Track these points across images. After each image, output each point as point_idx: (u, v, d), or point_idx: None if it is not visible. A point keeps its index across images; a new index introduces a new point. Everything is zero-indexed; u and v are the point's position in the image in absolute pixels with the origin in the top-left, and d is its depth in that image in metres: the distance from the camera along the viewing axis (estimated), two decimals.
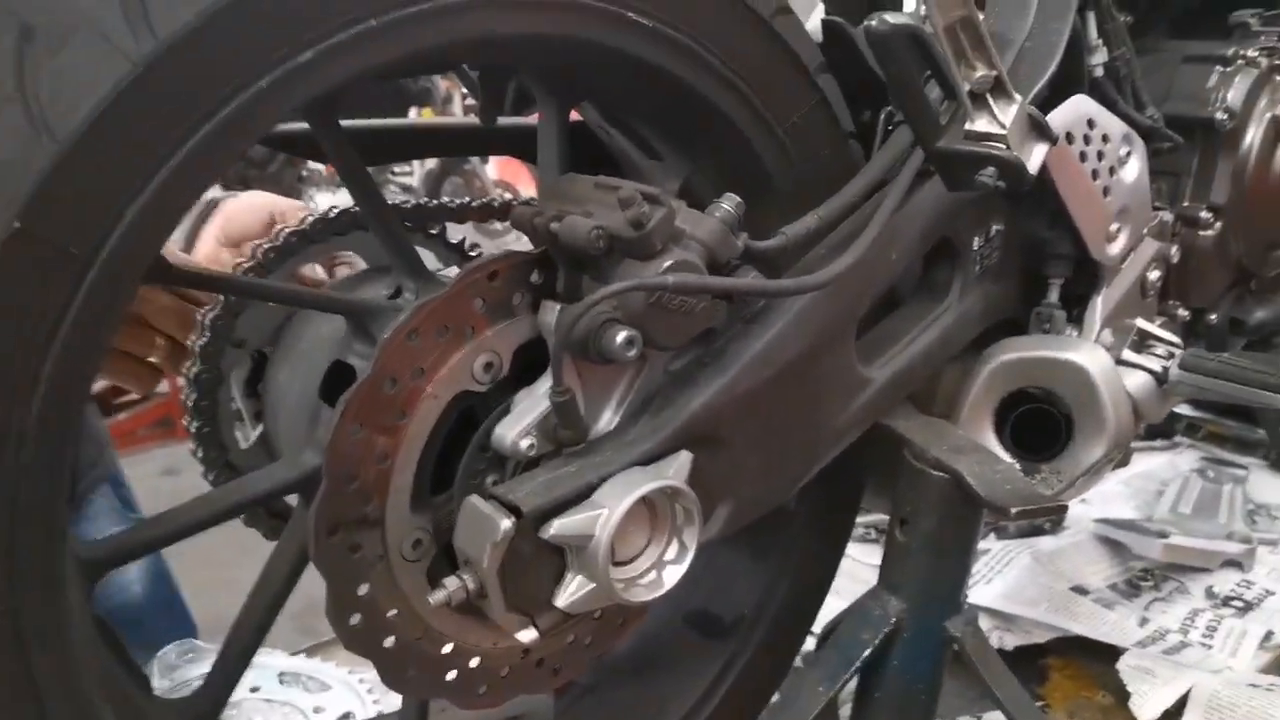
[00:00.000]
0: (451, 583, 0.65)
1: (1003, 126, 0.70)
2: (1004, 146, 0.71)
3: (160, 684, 1.22)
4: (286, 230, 0.83)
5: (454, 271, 0.84)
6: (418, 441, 0.67)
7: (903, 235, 0.83)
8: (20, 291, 0.49)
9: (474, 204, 0.94)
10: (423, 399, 0.66)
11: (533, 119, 0.87)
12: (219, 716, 0.72)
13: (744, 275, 0.74)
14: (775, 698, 0.98)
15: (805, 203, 0.83)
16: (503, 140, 0.94)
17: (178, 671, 1.24)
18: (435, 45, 0.61)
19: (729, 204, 0.71)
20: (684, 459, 0.70)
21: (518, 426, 0.68)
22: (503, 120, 0.92)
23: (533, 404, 0.69)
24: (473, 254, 0.94)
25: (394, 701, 1.20)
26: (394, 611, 0.68)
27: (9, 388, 0.49)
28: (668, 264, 0.67)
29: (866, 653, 0.85)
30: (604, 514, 0.64)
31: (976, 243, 0.94)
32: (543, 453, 0.69)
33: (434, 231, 0.91)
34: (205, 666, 1.26)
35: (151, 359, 0.90)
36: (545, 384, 0.69)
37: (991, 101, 0.71)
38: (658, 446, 0.70)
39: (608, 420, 0.72)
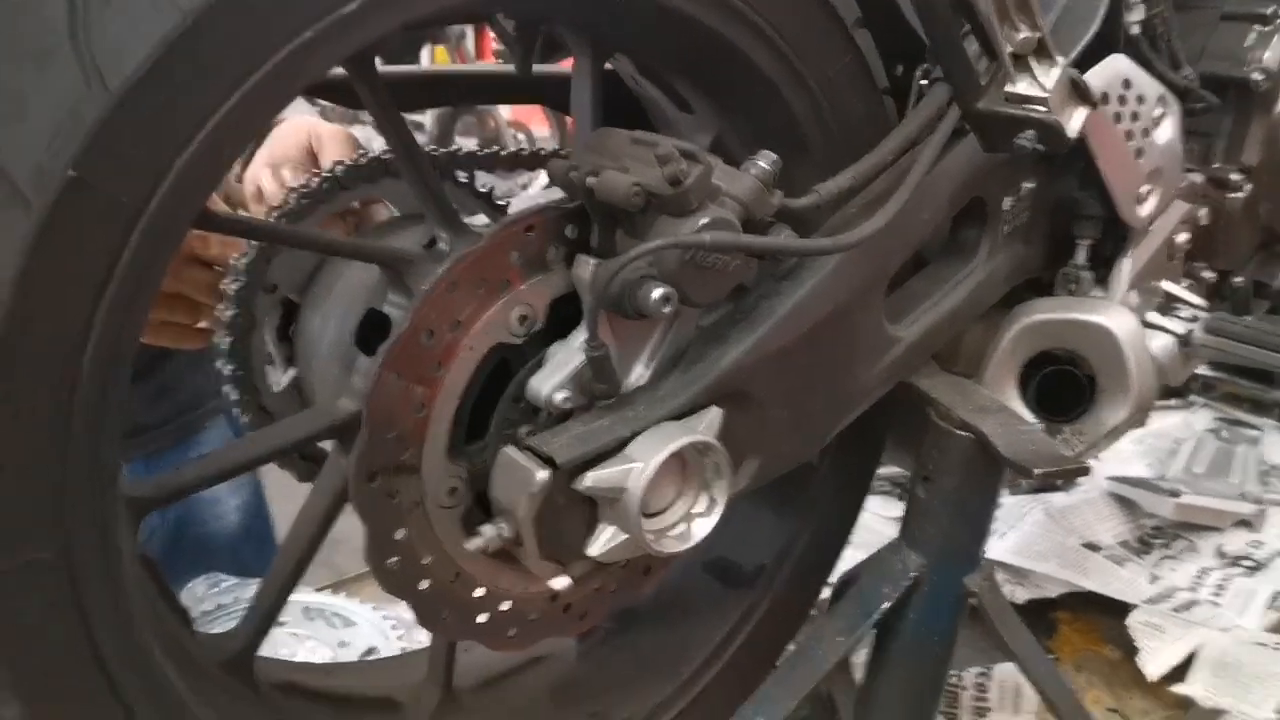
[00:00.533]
0: (488, 531, 0.66)
1: (1044, 89, 0.70)
2: (1044, 109, 0.70)
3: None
4: (318, 177, 0.83)
5: (484, 221, 0.85)
6: (454, 391, 0.68)
7: (935, 195, 0.83)
8: (75, 238, 0.50)
9: (503, 152, 0.94)
10: (460, 351, 0.67)
11: (567, 68, 0.86)
12: (257, 650, 0.75)
13: (778, 233, 0.74)
14: (792, 646, 1.00)
15: (838, 158, 0.83)
16: (536, 88, 0.94)
17: (204, 603, 1.27)
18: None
19: (765, 161, 0.71)
20: (715, 415, 0.72)
21: (553, 380, 0.68)
22: (536, 68, 0.91)
23: (567, 357, 0.70)
24: (500, 202, 0.94)
25: (416, 639, 1.23)
26: (429, 556, 0.70)
27: (65, 332, 0.50)
28: (704, 221, 0.67)
29: (885, 605, 0.86)
30: (637, 468, 0.66)
31: (1007, 203, 0.94)
32: (576, 405, 0.70)
33: (463, 179, 0.91)
34: (232, 596, 1.29)
35: (200, 324, 0.92)
36: (579, 337, 0.70)
37: (1033, 64, 0.70)
38: (689, 402, 0.71)
39: (639, 373, 0.73)
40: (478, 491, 0.71)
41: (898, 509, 1.54)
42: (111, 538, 0.58)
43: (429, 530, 0.70)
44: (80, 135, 0.48)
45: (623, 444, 0.67)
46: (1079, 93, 0.74)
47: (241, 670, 0.73)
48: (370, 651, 1.20)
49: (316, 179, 0.83)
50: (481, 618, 0.74)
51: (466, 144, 0.93)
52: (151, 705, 0.62)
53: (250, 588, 1.28)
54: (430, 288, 0.65)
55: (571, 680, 0.93)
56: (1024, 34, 0.70)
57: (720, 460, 0.70)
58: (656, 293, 0.66)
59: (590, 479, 0.66)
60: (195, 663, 0.69)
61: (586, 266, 0.69)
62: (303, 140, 0.96)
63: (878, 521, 1.47)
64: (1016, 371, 0.95)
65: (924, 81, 0.87)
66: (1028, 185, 0.95)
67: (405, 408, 0.66)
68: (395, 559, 0.69)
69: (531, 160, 0.94)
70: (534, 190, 1.03)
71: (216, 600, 1.25)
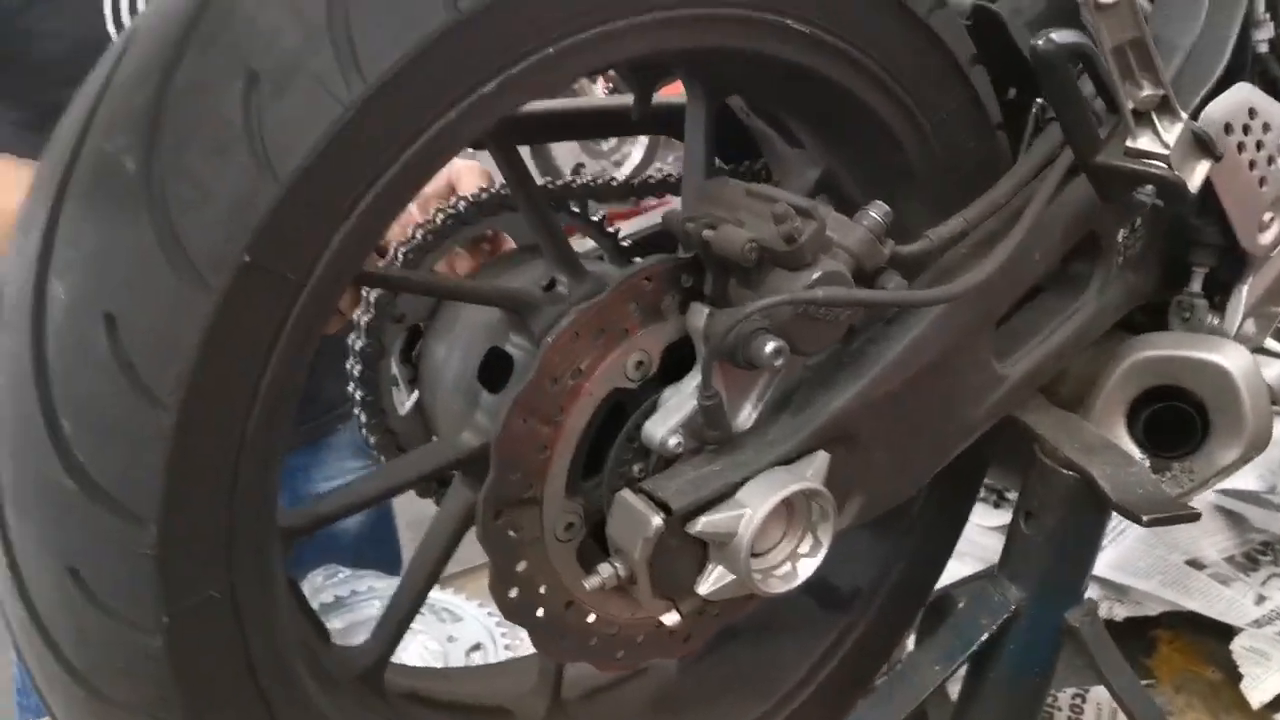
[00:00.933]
0: (605, 570, 0.70)
1: (1166, 146, 0.69)
2: (1165, 166, 0.70)
3: None
4: (442, 213, 0.87)
5: (599, 263, 0.88)
6: (574, 433, 0.72)
7: (1048, 235, 0.83)
8: (247, 314, 0.54)
9: (614, 183, 0.97)
10: (581, 396, 0.71)
11: (680, 98, 0.88)
12: (387, 664, 0.80)
13: (888, 279, 0.75)
14: (886, 671, 1.02)
15: (949, 194, 0.83)
16: (651, 120, 0.96)
17: (322, 594, 1.35)
18: (604, 65, 0.64)
19: (877, 212, 0.73)
20: (822, 459, 0.74)
21: (666, 425, 0.72)
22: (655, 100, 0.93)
23: (680, 402, 0.73)
24: (610, 229, 0.97)
25: (520, 635, 1.28)
26: (546, 586, 0.74)
27: (235, 401, 0.55)
28: (816, 275, 0.69)
29: (984, 637, 0.88)
30: (747, 514, 0.69)
31: (1121, 234, 0.93)
32: (688, 449, 0.73)
33: (576, 210, 0.95)
34: (348, 589, 1.37)
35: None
36: (691, 383, 0.73)
37: (1156, 120, 0.70)
38: (797, 447, 0.73)
39: (747, 415, 0.76)
40: (592, 525, 0.75)
41: (996, 518, 1.54)
42: (269, 569, 0.64)
43: (547, 562, 0.74)
44: (255, 221, 0.53)
45: (733, 489, 0.70)
46: (1202, 146, 0.73)
47: (373, 682, 0.79)
48: (476, 646, 1.26)
49: (441, 215, 0.87)
50: (592, 641, 0.78)
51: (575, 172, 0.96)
52: (296, 718, 0.67)
53: (366, 580, 1.35)
54: (554, 340, 0.69)
55: (671, 693, 0.97)
56: (1147, 91, 0.69)
57: (826, 504, 0.73)
58: (769, 346, 0.68)
59: (702, 524, 0.69)
60: (332, 676, 0.74)
61: (701, 315, 0.72)
62: (441, 179, 1.00)
63: (976, 531, 1.46)
64: (1125, 406, 0.94)
65: (1039, 112, 0.87)
66: (1141, 215, 0.94)
67: (530, 449, 0.70)
68: (516, 590, 0.73)
69: (638, 190, 0.97)
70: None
71: (334, 593, 1.33)
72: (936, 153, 0.84)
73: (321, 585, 1.36)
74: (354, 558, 1.41)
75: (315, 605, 1.32)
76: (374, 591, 1.33)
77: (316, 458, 1.40)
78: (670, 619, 0.72)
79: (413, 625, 1.30)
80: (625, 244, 0.96)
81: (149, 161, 0.52)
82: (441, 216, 0.87)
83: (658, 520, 0.67)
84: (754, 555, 0.72)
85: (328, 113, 0.53)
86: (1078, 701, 1.18)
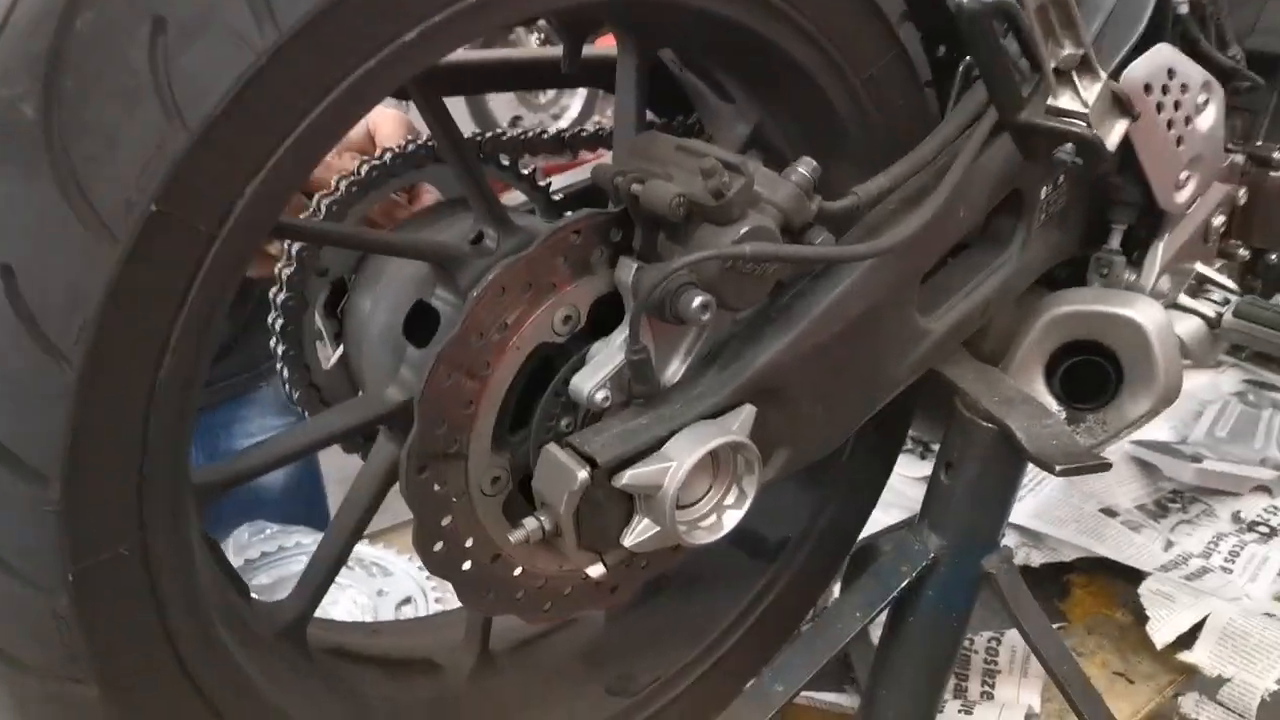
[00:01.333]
0: (530, 523, 0.70)
1: (1085, 105, 0.70)
2: (1084, 124, 0.71)
3: (234, 561, 1.31)
4: (367, 164, 0.85)
5: (528, 217, 0.87)
6: (500, 388, 0.71)
7: (973, 192, 0.84)
8: (155, 266, 0.53)
9: (545, 135, 0.96)
10: (507, 350, 0.70)
11: (611, 50, 0.87)
12: (309, 620, 0.80)
13: (816, 235, 0.76)
14: (811, 618, 1.04)
15: (877, 151, 0.84)
16: (582, 73, 0.95)
17: (249, 550, 1.33)
18: (530, 16, 0.63)
19: (805, 168, 0.73)
20: (748, 412, 0.74)
21: (594, 379, 0.71)
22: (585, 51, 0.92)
23: (607, 357, 0.73)
24: (541, 183, 0.95)
25: (449, 588, 1.28)
26: (472, 540, 0.74)
27: (144, 355, 0.54)
28: (744, 230, 0.69)
29: (904, 584, 0.90)
30: (673, 466, 0.69)
31: (1044, 191, 0.95)
32: (615, 403, 0.73)
33: (505, 164, 0.93)
34: (275, 544, 1.35)
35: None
36: (619, 338, 0.72)
37: (1076, 79, 0.71)
38: (724, 400, 0.74)
39: (675, 369, 0.76)
40: (519, 480, 0.75)
41: (921, 468, 1.57)
42: (183, 526, 0.62)
43: (473, 516, 0.74)
44: (163, 171, 0.51)
45: (660, 442, 0.71)
46: (1120, 105, 0.74)
47: (296, 638, 0.78)
48: (407, 600, 1.26)
49: (366, 167, 0.85)
50: (519, 594, 0.79)
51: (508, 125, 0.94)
52: (214, 676, 0.67)
53: (294, 536, 1.34)
54: (479, 294, 0.68)
55: (601, 643, 0.98)
56: (1068, 50, 0.70)
57: (751, 456, 0.73)
58: (696, 300, 0.68)
59: (628, 477, 0.69)
60: (253, 633, 0.73)
61: (629, 270, 0.72)
62: (361, 126, 0.98)
63: (901, 482, 1.49)
64: (1044, 359, 0.97)
65: (966, 70, 0.87)
66: (1063, 173, 0.96)
67: (455, 404, 0.70)
68: (441, 544, 0.73)
69: (571, 144, 0.96)
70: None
71: (261, 548, 1.31)
72: (866, 109, 0.84)
73: (248, 541, 1.34)
74: (281, 513, 1.39)
75: (241, 561, 1.31)
76: (301, 547, 1.32)
77: (238, 414, 1.38)
78: (596, 571, 0.73)
79: (341, 580, 1.30)
80: (556, 198, 0.95)
81: (49, 108, 0.50)
82: (366, 168, 0.85)
83: (583, 474, 0.68)
84: (680, 507, 0.72)
85: (239, 60, 0.51)
86: (993, 645, 1.23)
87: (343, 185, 0.84)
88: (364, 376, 0.85)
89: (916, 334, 0.86)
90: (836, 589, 1.14)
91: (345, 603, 1.27)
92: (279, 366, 0.88)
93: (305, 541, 1.33)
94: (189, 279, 0.54)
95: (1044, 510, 1.51)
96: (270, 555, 1.33)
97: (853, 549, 1.08)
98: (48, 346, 0.51)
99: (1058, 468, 0.80)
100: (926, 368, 0.90)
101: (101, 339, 0.52)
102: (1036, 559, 1.43)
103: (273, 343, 0.87)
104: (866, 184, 0.78)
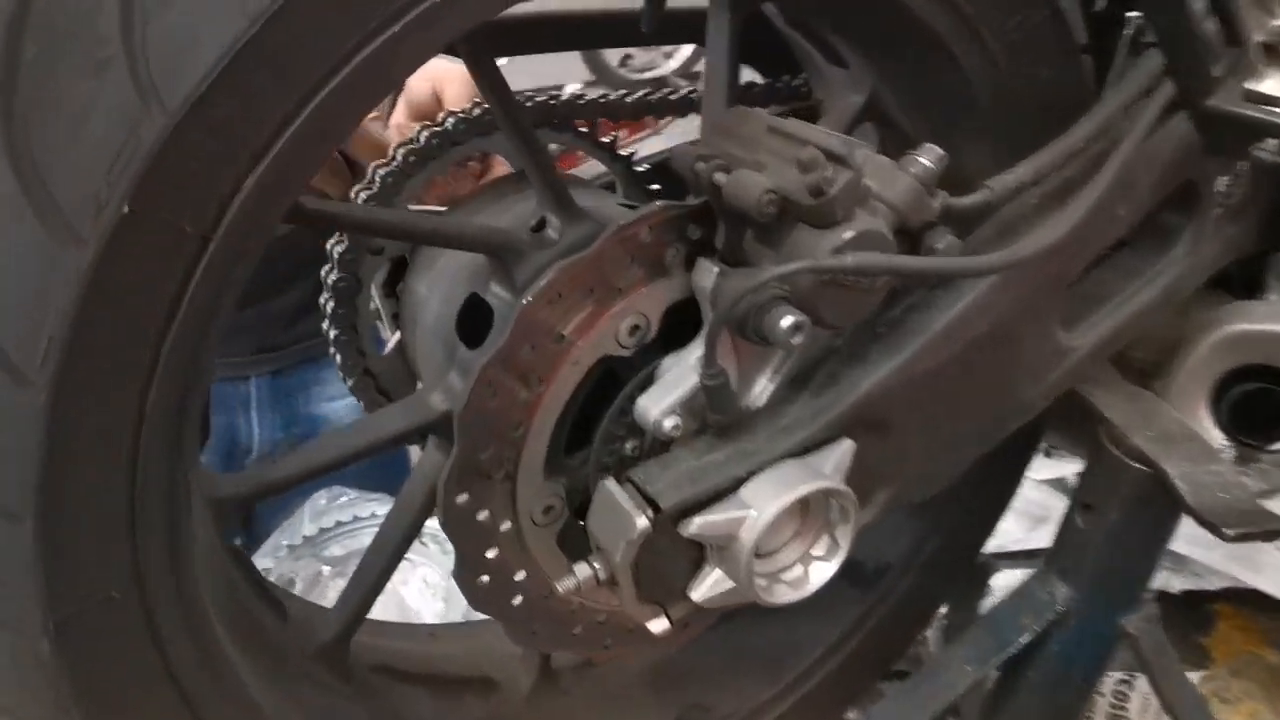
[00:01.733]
0: (582, 570, 0.61)
1: None
2: None
3: (309, 528, 1.27)
4: (427, 131, 0.76)
5: (603, 196, 0.76)
6: (554, 407, 0.62)
7: (1136, 186, 0.70)
8: (133, 274, 0.44)
9: (628, 99, 0.84)
10: (563, 365, 0.60)
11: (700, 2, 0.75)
12: (350, 638, 0.73)
13: (938, 238, 0.63)
14: (911, 665, 0.93)
15: (1015, 132, 0.70)
16: (666, 30, 0.82)
17: (323, 518, 1.29)
18: None
19: (928, 158, 0.60)
20: (845, 450, 0.63)
21: (663, 403, 0.61)
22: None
23: (680, 375, 0.62)
24: (620, 152, 0.84)
25: None
26: (523, 574, 0.66)
27: (127, 375, 0.46)
28: (849, 235, 0.57)
29: (1024, 639, 0.78)
30: (751, 515, 0.58)
31: (1222, 183, 0.78)
32: (687, 431, 0.62)
33: (584, 130, 0.82)
34: (350, 514, 1.31)
35: None
36: (694, 354, 0.62)
37: None
38: (817, 434, 0.62)
39: (759, 392, 0.65)
40: (575, 507, 0.66)
41: (1049, 469, 1.42)
42: (186, 561, 0.55)
43: (523, 548, 0.65)
44: (137, 164, 0.42)
45: (737, 484, 0.60)
46: None
47: (335, 658, 0.71)
48: None
49: (426, 134, 0.76)
50: (577, 629, 0.70)
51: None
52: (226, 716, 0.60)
53: (370, 505, 1.29)
54: (535, 296, 0.58)
55: (672, 667, 0.89)
56: (1279, 21, 0.55)
57: (848, 503, 0.62)
58: (787, 320, 0.57)
59: (697, 525, 0.59)
60: (283, 658, 0.67)
61: (709, 274, 0.61)
62: (426, 86, 0.88)
63: (1025, 484, 1.35)
64: (1211, 383, 0.81)
65: (1135, 33, 0.72)
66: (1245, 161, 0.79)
67: (502, 424, 0.60)
68: (486, 577, 0.64)
69: (658, 107, 0.84)
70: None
71: (335, 517, 1.26)
72: (1004, 79, 0.69)
73: (324, 508, 1.30)
74: (360, 479, 1.34)
75: (315, 530, 1.27)
76: (376, 519, 1.27)
77: (317, 376, 1.32)
78: (658, 626, 0.63)
79: (413, 556, 1.24)
80: (640, 169, 0.84)
81: (7, 86, 0.42)
82: (426, 135, 0.76)
83: (643, 521, 0.57)
84: (759, 556, 0.62)
85: (229, 26, 0.42)
86: (1123, 689, 1.09)
87: (399, 154, 0.75)
88: (420, 367, 0.77)
89: (1057, 352, 0.73)
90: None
91: (416, 581, 1.21)
92: (331, 351, 0.81)
93: (380, 512, 1.28)
94: (179, 288, 0.46)
95: (1189, 529, 1.34)
96: (345, 525, 1.28)
97: (965, 577, 0.96)
98: (8, 366, 0.44)
99: (1229, 531, 0.66)
100: (1066, 388, 0.76)
101: (72, 360, 0.44)
102: (1177, 584, 1.27)
103: (325, 325, 0.80)
104: (1003, 175, 0.65)
